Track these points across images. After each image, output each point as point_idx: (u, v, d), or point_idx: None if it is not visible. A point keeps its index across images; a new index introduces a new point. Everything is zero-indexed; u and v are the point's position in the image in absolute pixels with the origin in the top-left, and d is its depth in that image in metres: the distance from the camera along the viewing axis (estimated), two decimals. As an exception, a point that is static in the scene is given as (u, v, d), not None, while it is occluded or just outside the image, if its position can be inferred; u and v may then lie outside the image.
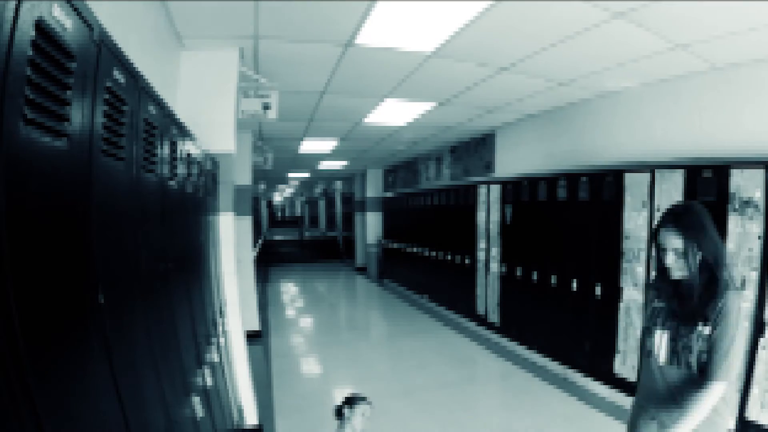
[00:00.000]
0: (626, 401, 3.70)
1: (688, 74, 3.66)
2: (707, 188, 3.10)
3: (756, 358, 2.79)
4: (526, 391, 4.44)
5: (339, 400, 2.38)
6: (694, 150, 3.54)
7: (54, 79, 0.80)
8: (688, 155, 3.52)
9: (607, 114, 4.52)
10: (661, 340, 1.69)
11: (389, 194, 11.16)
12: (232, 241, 3.47)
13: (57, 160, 0.83)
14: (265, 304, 8.70)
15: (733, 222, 2.93)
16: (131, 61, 1.27)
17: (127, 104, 1.20)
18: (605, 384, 3.94)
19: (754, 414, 2.79)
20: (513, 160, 6.13)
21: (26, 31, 0.69)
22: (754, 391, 2.79)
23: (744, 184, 2.88)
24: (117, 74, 1.13)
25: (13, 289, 0.65)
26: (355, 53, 3.38)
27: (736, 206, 2.92)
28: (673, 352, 1.64)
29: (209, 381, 2.24)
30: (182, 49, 3.21)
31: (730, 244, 2.95)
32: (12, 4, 0.65)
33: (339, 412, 2.34)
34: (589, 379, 4.14)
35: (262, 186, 19.14)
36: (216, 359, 2.64)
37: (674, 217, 1.65)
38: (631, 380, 3.66)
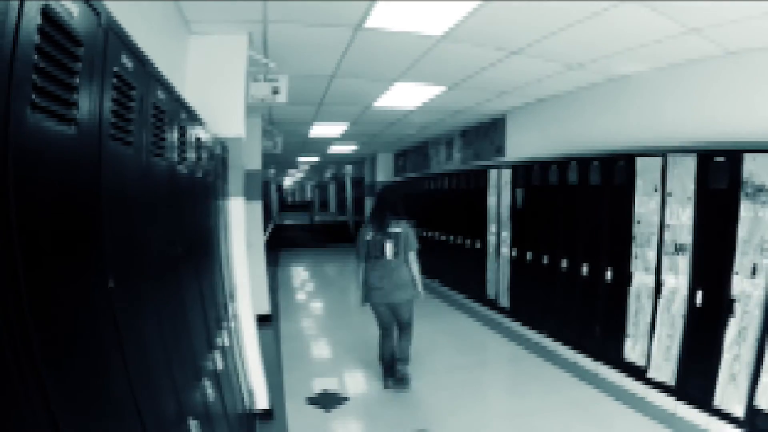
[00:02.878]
0: (636, 387, 3.70)
1: (701, 58, 3.58)
2: (719, 174, 3.05)
3: (766, 347, 2.77)
4: (536, 376, 4.46)
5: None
6: (706, 135, 3.47)
7: (62, 65, 0.80)
8: (699, 140, 3.46)
9: (619, 98, 4.44)
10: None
11: (399, 178, 11.12)
12: (242, 226, 3.49)
13: (66, 146, 0.83)
14: (275, 287, 8.78)
15: (745, 208, 2.89)
16: (139, 47, 1.27)
17: (135, 90, 1.21)
18: (615, 369, 3.94)
19: (764, 402, 2.78)
20: (524, 144, 6.07)
21: (33, 17, 0.69)
22: (764, 379, 2.77)
23: (757, 170, 2.83)
24: (125, 60, 1.13)
25: (24, 274, 0.66)
26: (364, 37, 3.35)
27: (749, 192, 2.87)
28: None
29: (220, 365, 2.27)
30: (190, 34, 3.20)
31: (742, 231, 2.91)
32: (18, -8, 0.65)
33: None
34: (599, 363, 4.14)
35: (272, 170, 19.20)
36: (226, 343, 2.67)
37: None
38: (641, 365, 3.66)
